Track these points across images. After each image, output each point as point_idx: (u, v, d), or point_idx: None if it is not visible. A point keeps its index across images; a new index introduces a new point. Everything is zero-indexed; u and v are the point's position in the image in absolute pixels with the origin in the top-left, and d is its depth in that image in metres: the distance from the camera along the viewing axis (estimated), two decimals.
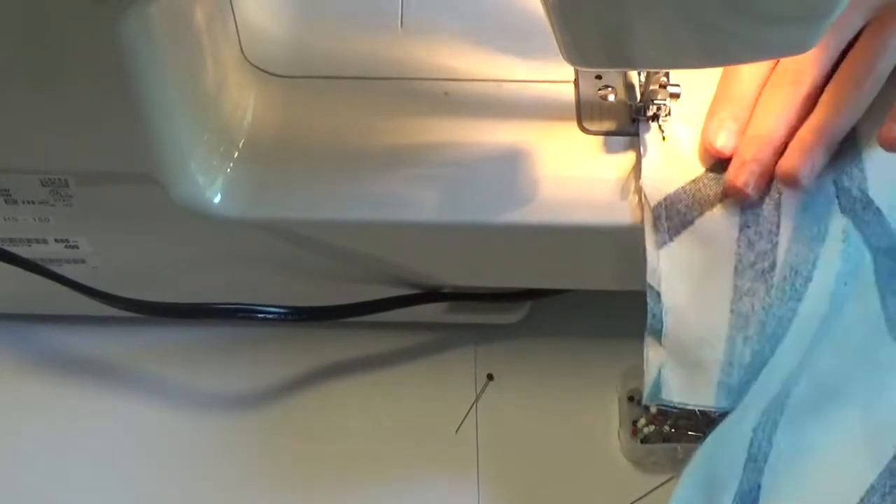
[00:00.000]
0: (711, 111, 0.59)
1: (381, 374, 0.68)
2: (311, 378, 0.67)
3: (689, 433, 0.63)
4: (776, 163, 0.57)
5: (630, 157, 0.59)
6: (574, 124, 0.60)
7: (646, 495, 0.63)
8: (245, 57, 0.60)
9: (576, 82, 0.61)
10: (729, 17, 0.45)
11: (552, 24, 0.48)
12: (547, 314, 0.69)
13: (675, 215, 0.56)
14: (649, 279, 0.56)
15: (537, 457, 0.65)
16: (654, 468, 0.64)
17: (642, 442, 0.64)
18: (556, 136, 0.59)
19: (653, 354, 0.56)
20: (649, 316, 0.56)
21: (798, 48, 0.48)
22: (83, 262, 0.62)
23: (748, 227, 0.56)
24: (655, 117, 0.58)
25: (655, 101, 0.57)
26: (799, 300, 0.56)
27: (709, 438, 0.56)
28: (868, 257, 0.57)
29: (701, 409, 0.57)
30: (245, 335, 0.69)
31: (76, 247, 0.61)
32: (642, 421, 0.64)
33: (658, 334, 0.56)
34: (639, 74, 0.60)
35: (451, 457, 0.65)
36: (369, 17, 0.63)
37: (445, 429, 0.66)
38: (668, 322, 0.56)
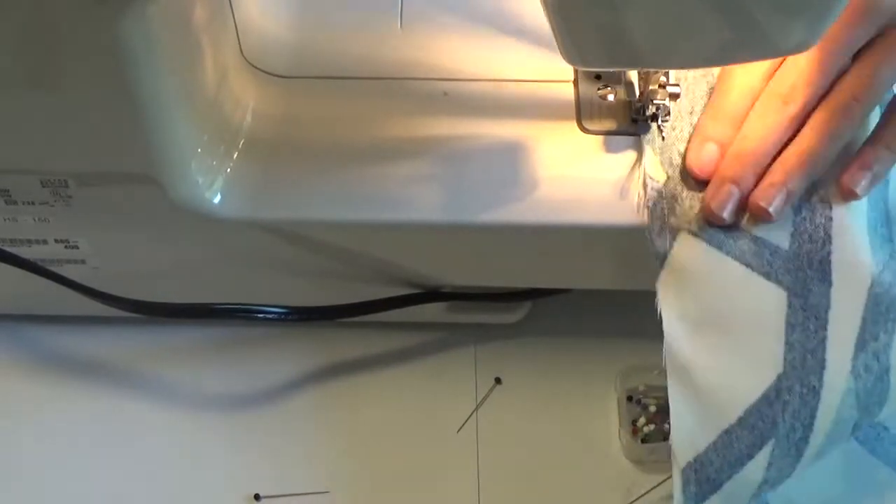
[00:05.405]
0: (698, 128, 0.57)
1: (382, 374, 0.68)
2: (311, 378, 0.67)
3: None
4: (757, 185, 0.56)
5: (630, 156, 0.59)
6: (574, 124, 0.60)
7: (646, 493, 0.63)
8: (245, 57, 0.60)
9: (575, 82, 0.61)
10: (729, 12, 0.45)
11: (552, 24, 0.48)
12: (547, 314, 0.69)
13: (705, 482, 0.54)
14: None
15: (538, 456, 0.65)
16: (654, 467, 0.64)
17: (643, 441, 0.64)
18: (555, 136, 0.59)
19: None
20: None
21: (801, 45, 0.48)
22: (83, 262, 0.62)
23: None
24: (654, 117, 0.58)
25: (655, 101, 0.57)
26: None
27: None
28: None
29: None
30: (245, 335, 0.69)
31: (76, 247, 0.61)
32: (642, 420, 0.64)
33: None
34: (639, 74, 0.60)
35: (451, 456, 0.65)
36: (369, 17, 0.63)
37: (446, 429, 0.66)
38: None
